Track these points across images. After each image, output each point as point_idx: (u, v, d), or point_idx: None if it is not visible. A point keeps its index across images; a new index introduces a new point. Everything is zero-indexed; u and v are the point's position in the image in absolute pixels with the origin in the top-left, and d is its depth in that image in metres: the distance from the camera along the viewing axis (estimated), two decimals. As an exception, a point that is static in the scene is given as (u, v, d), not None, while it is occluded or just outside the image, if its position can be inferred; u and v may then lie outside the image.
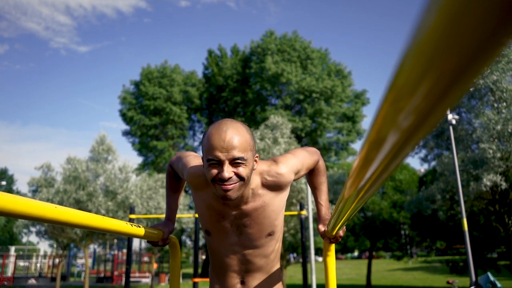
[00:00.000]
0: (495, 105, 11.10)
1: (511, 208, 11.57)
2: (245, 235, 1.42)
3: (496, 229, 15.90)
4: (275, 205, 1.41)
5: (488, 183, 10.21)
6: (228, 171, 1.23)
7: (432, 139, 13.00)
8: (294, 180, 1.48)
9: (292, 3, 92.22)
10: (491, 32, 0.20)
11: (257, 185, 1.38)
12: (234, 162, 1.24)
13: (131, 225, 1.23)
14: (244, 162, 1.25)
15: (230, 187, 1.24)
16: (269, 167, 1.40)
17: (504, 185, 10.38)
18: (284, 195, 1.44)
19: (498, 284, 7.24)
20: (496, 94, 10.94)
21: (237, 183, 1.25)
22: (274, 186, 1.39)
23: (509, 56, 10.69)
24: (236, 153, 1.23)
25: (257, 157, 1.36)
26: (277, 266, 1.53)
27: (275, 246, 1.49)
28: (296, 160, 1.46)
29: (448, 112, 9.62)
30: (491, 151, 10.27)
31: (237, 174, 1.25)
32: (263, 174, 1.39)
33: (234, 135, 1.25)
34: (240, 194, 1.28)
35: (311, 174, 1.59)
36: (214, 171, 1.25)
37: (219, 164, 1.24)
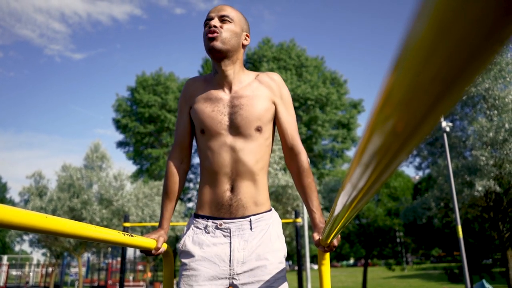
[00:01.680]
0: (488, 112, 11.20)
1: (505, 215, 11.62)
2: (235, 123, 1.48)
3: (490, 236, 15.96)
4: (262, 100, 1.52)
5: (480, 188, 10.27)
6: (215, 22, 1.47)
7: (425, 147, 13.07)
8: (275, 113, 1.57)
9: (287, 10, 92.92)
10: (484, 38, 0.20)
11: (250, 78, 1.57)
12: (222, 19, 1.48)
13: (124, 234, 1.21)
14: (231, 21, 1.49)
15: (214, 35, 1.45)
16: (265, 72, 1.62)
17: (498, 189, 10.44)
18: (270, 99, 1.55)
19: None
20: (489, 101, 11.05)
21: (220, 35, 1.46)
22: (263, 82, 1.56)
23: (501, 64, 10.81)
24: (225, 12, 1.49)
25: (247, 35, 1.58)
26: (265, 178, 1.55)
27: (263, 147, 1.52)
28: (289, 96, 1.62)
29: (442, 119, 9.70)
30: (484, 158, 10.34)
31: (222, 27, 1.47)
32: (258, 73, 1.60)
33: (228, 6, 1.52)
34: (226, 46, 1.47)
35: (298, 175, 1.57)
36: (206, 28, 1.49)
37: (211, 20, 1.49)
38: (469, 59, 0.22)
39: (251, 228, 1.47)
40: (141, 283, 24.82)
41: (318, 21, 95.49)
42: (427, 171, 14.39)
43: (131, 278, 27.70)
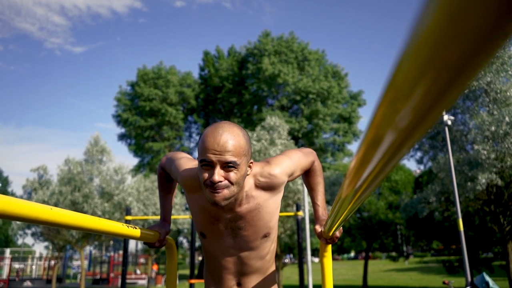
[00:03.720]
0: (489, 106, 11.16)
1: (506, 208, 11.63)
2: (240, 238, 1.41)
3: (491, 229, 15.98)
4: (269, 207, 1.40)
5: (484, 181, 10.27)
6: (218, 174, 1.22)
7: (427, 141, 13.06)
8: (289, 181, 1.47)
9: (288, 3, 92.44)
10: (489, 32, 0.20)
11: (250, 187, 1.37)
12: (226, 166, 1.23)
13: (127, 226, 1.22)
14: (236, 167, 1.24)
15: (219, 191, 1.23)
16: (262, 168, 1.40)
17: (499, 182, 10.44)
18: (278, 196, 1.43)
19: (491, 284, 7.28)
20: (491, 95, 11.01)
21: (227, 189, 1.24)
22: (267, 187, 1.39)
23: (503, 58, 10.76)
24: (229, 157, 1.22)
25: (251, 163, 1.35)
26: (273, 266, 1.54)
27: (270, 247, 1.49)
28: (290, 162, 1.45)
29: (444, 113, 9.67)
30: (485, 152, 10.33)
31: (227, 179, 1.24)
32: (256, 175, 1.39)
33: (229, 139, 1.23)
34: (230, 200, 1.27)
35: (307, 175, 1.60)
36: (206, 174, 1.24)
37: (211, 166, 1.23)
38: (473, 53, 0.22)
39: None
40: (143, 275, 24.98)
41: (317, 14, 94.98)
42: (428, 164, 14.39)
43: (138, 271, 27.82)
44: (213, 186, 1.23)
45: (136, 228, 1.29)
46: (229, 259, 1.45)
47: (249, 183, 1.37)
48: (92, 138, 16.75)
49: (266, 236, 1.43)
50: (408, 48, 0.26)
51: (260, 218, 1.39)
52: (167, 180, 1.64)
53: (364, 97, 29.27)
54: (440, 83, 0.25)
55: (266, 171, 1.39)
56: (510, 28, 0.20)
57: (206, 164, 1.24)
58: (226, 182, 1.24)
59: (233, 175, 1.24)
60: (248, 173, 1.33)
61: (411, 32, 0.25)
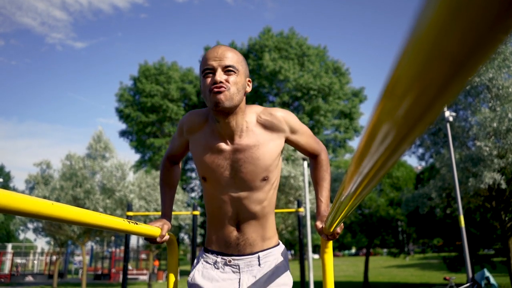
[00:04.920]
0: (491, 102, 11.13)
1: (507, 205, 11.62)
2: (240, 177, 1.44)
3: (492, 226, 15.98)
4: (269, 147, 1.44)
5: (491, 182, 10.24)
6: (220, 75, 1.34)
7: (428, 138, 13.03)
8: (289, 143, 1.51)
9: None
10: (490, 26, 0.20)
11: (252, 122, 1.45)
12: (226, 70, 1.35)
13: (129, 222, 1.23)
14: (236, 71, 1.37)
15: (222, 90, 1.33)
16: (265, 109, 1.49)
17: (503, 184, 10.42)
18: (278, 141, 1.47)
19: (492, 280, 7.29)
20: (493, 91, 10.97)
21: (227, 91, 1.34)
22: (268, 126, 1.45)
23: (505, 53, 10.71)
24: (228, 62, 1.36)
25: (249, 81, 1.46)
26: (272, 215, 1.56)
27: (269, 192, 1.51)
28: (298, 122, 1.52)
29: (445, 109, 9.65)
30: (487, 149, 10.31)
31: (228, 81, 1.35)
32: (258, 113, 1.47)
33: (228, 50, 1.38)
34: (233, 103, 1.35)
35: (315, 168, 1.62)
36: (209, 80, 1.36)
37: (213, 73, 1.35)
38: (474, 48, 0.22)
39: (259, 264, 1.50)
40: (145, 271, 25.06)
41: (319, 9, 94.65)
42: (429, 161, 14.37)
43: (134, 266, 27.87)
44: (215, 85, 1.33)
45: (137, 223, 1.29)
46: (229, 202, 1.47)
47: (251, 117, 1.45)
48: (95, 133, 16.76)
49: (265, 179, 1.46)
50: (409, 44, 0.26)
51: (259, 157, 1.43)
52: (170, 174, 1.68)
53: (365, 92, 29.17)
54: (441, 78, 0.25)
55: (268, 111, 1.48)
56: (511, 23, 0.20)
57: (208, 72, 1.36)
58: (227, 84, 1.35)
59: (233, 78, 1.36)
60: (247, 89, 1.44)
61: (412, 27, 0.25)
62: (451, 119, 9.51)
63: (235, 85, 1.36)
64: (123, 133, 31.22)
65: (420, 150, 13.99)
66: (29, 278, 22.15)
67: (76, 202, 14.84)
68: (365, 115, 30.41)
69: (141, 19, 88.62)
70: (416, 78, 0.26)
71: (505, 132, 10.27)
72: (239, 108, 1.41)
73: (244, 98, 1.44)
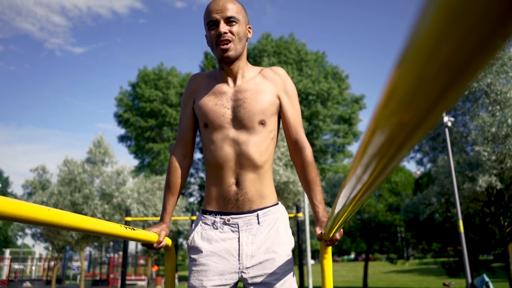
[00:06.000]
0: (490, 107, 11.16)
1: (506, 210, 11.62)
2: (239, 116, 1.49)
3: (491, 231, 15.97)
4: (266, 94, 1.53)
5: (484, 185, 10.26)
6: (223, 27, 1.46)
7: (427, 143, 13.04)
8: (280, 107, 1.58)
9: (289, 4, 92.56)
10: (489, 32, 0.20)
11: (254, 72, 1.58)
12: (229, 21, 1.47)
13: (126, 227, 1.22)
14: (237, 21, 1.48)
15: (226, 42, 1.46)
16: (269, 67, 1.63)
17: (499, 185, 10.42)
18: (275, 93, 1.55)
19: (491, 286, 7.27)
20: (491, 96, 11.00)
21: (232, 42, 1.47)
22: (267, 76, 1.57)
23: (503, 59, 10.76)
24: (229, 13, 1.47)
25: (250, 27, 1.59)
26: (270, 172, 1.56)
27: (267, 141, 1.53)
28: (294, 88, 1.62)
29: (444, 114, 9.67)
30: (486, 154, 10.32)
31: (231, 32, 1.47)
32: (262, 68, 1.61)
33: (228, 1, 1.49)
34: (237, 52, 1.50)
35: (303, 169, 1.57)
36: (213, 32, 1.48)
37: (217, 25, 1.47)
38: (473, 54, 0.22)
39: (258, 223, 1.49)
40: (143, 276, 24.95)
41: (320, 15, 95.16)
42: (428, 166, 14.37)
43: (132, 272, 27.71)
44: (220, 39, 1.46)
45: (134, 229, 1.28)
46: (228, 148, 1.50)
47: (253, 70, 1.60)
48: (96, 139, 16.74)
49: (262, 123, 1.51)
50: (407, 50, 0.26)
51: (257, 99, 1.51)
52: (176, 174, 1.62)
53: (366, 101, 29.27)
54: (440, 85, 0.25)
55: (270, 67, 1.62)
56: (510, 28, 0.20)
57: (212, 24, 1.48)
58: (230, 34, 1.47)
59: (235, 28, 1.48)
60: (248, 36, 1.57)
61: (411, 33, 0.25)
62: (449, 124, 9.53)
63: (238, 35, 1.49)
64: (122, 138, 31.20)
65: (419, 155, 14.00)
66: (27, 284, 22.03)
67: (74, 207, 14.79)
68: (364, 121, 30.49)
69: (140, 24, 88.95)
70: (415, 84, 0.26)
71: (503, 137, 10.29)
72: (242, 54, 1.55)
73: (246, 44, 1.57)
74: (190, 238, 1.54)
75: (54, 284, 17.31)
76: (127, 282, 23.02)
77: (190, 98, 1.62)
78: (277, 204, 1.57)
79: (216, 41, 1.47)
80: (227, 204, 1.49)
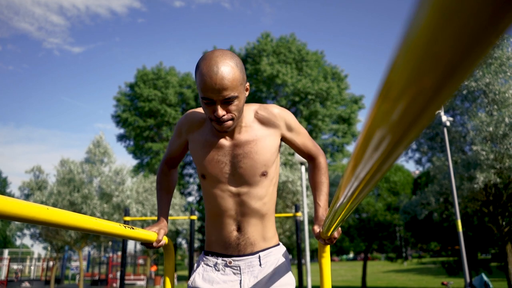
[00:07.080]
0: (488, 107, 11.18)
1: (505, 209, 11.64)
2: (239, 172, 1.45)
3: (489, 230, 16.00)
4: (267, 143, 1.47)
5: (482, 179, 10.28)
6: (221, 110, 1.34)
7: (425, 142, 13.06)
8: (285, 141, 1.54)
9: (288, 4, 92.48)
10: (482, 30, 0.20)
11: (249, 118, 1.48)
12: (226, 102, 1.34)
13: (125, 226, 1.22)
14: (235, 99, 1.35)
15: (224, 123, 1.37)
16: (262, 105, 1.54)
17: (498, 180, 10.45)
18: (276, 137, 1.50)
19: (490, 285, 7.29)
20: (489, 96, 11.02)
21: (230, 120, 1.38)
22: (265, 121, 1.49)
23: (501, 58, 10.77)
24: (227, 93, 1.32)
25: (248, 85, 1.46)
26: (272, 215, 1.55)
27: (269, 188, 1.51)
28: (294, 121, 1.54)
29: (443, 114, 9.68)
30: (484, 153, 10.34)
31: (229, 112, 1.36)
32: (255, 109, 1.51)
33: (225, 75, 1.30)
34: (235, 124, 1.41)
35: (313, 172, 1.61)
36: (210, 109, 1.36)
37: (213, 104, 1.34)
38: (467, 51, 0.22)
39: (260, 264, 1.49)
40: (142, 276, 24.93)
41: (318, 16, 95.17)
42: (427, 165, 14.39)
43: (131, 271, 27.73)
44: (218, 120, 1.36)
45: (133, 228, 1.28)
46: (229, 199, 1.48)
47: (248, 114, 1.49)
48: (96, 138, 16.72)
49: (264, 174, 1.47)
50: (402, 47, 0.26)
51: (258, 151, 1.46)
52: (168, 179, 1.69)
53: (365, 101, 29.28)
54: (435, 81, 0.25)
55: (264, 107, 1.52)
56: (504, 25, 0.20)
57: (208, 102, 1.35)
58: (228, 115, 1.36)
59: (234, 107, 1.36)
60: (246, 94, 1.44)
61: (405, 31, 0.25)
62: (448, 124, 9.54)
63: (237, 110, 1.38)
64: (120, 138, 31.15)
65: (417, 155, 14.01)
66: (26, 284, 22.00)
67: (73, 207, 14.77)
68: (363, 119, 30.48)
69: (138, 24, 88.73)
70: (410, 81, 0.26)
71: (501, 137, 10.31)
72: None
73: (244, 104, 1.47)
74: (191, 278, 1.54)
75: (53, 284, 17.29)
76: (126, 282, 23.00)
77: (182, 135, 1.58)
78: (278, 244, 1.58)
79: (213, 119, 1.38)
80: (228, 248, 1.50)
